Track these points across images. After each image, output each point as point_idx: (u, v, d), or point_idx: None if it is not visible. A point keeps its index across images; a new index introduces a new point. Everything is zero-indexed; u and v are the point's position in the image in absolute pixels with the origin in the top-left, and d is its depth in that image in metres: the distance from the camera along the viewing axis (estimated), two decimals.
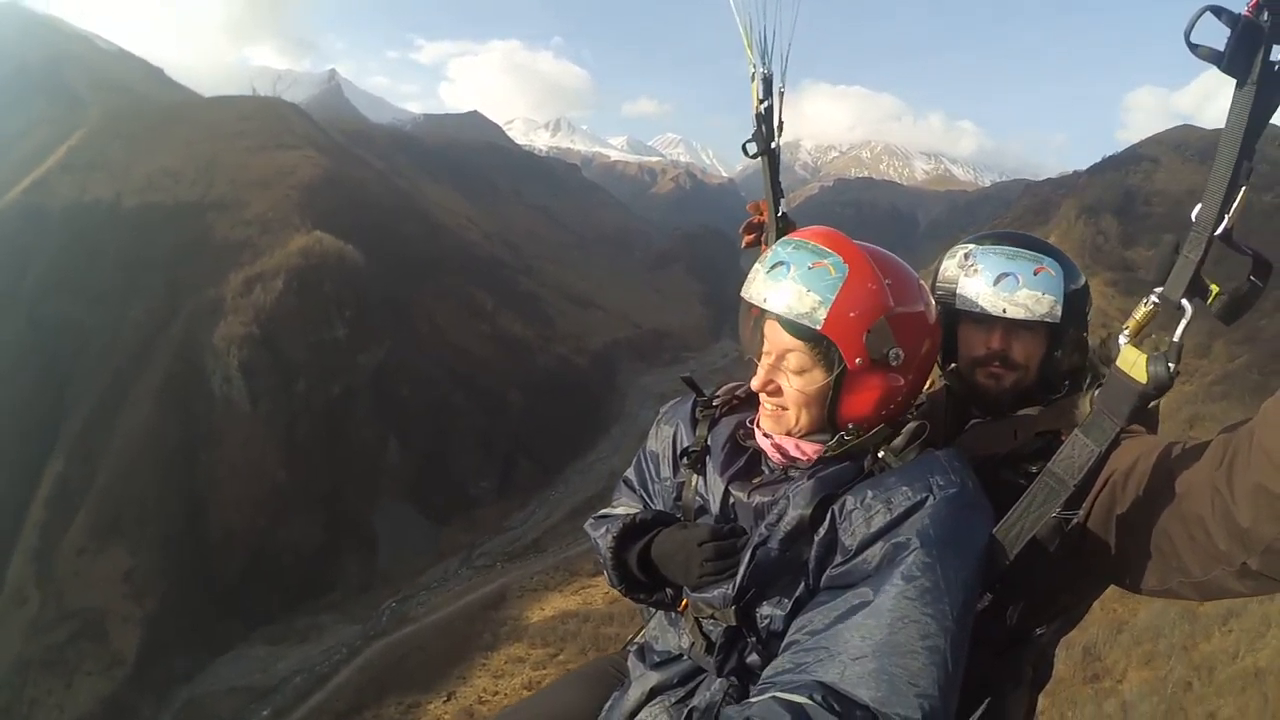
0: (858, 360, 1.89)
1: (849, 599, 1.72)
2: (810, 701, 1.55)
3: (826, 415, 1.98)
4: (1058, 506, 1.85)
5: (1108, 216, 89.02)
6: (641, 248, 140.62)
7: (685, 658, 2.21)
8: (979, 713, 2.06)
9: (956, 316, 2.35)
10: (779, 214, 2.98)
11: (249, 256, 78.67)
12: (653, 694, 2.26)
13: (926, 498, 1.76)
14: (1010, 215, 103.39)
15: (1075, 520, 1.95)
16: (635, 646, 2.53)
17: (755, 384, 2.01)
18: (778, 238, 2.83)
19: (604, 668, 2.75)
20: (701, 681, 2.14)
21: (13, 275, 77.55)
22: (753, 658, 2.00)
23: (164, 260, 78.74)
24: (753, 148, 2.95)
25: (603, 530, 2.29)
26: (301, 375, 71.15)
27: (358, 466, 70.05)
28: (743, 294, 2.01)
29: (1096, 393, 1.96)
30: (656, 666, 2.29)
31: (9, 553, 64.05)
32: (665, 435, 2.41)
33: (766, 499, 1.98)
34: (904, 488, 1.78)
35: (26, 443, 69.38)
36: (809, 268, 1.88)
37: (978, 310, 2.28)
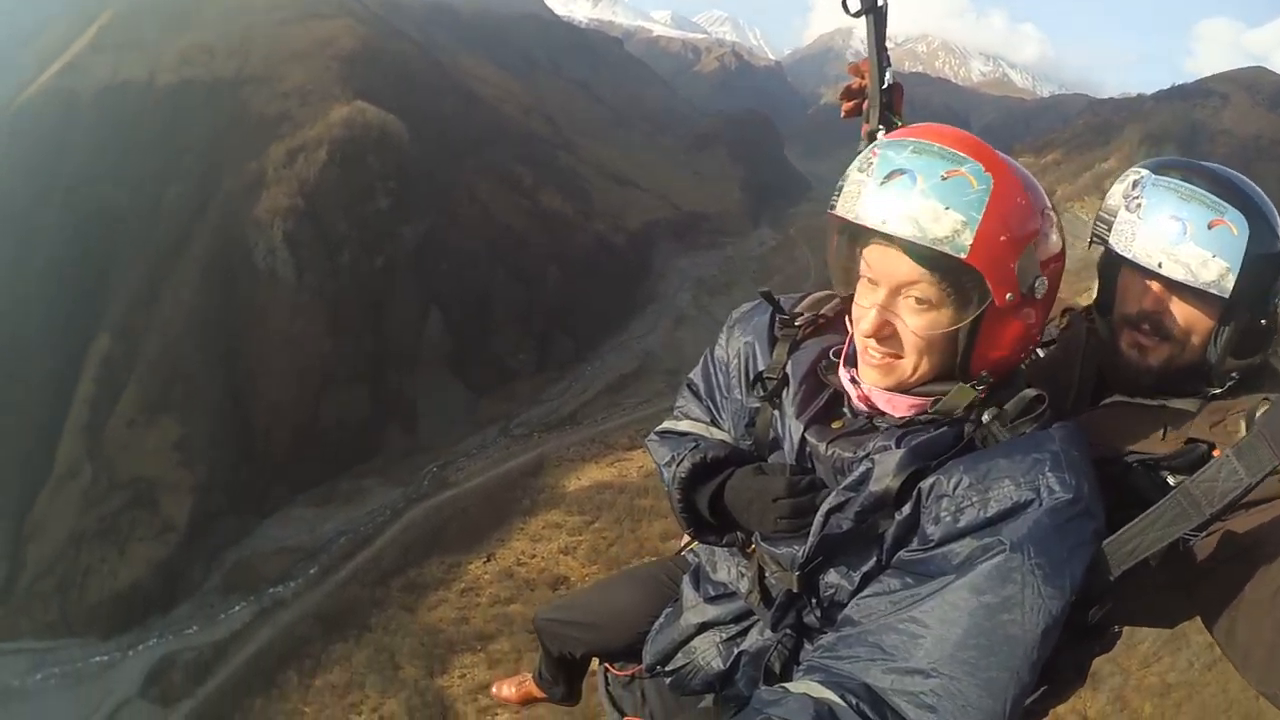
0: (1008, 295, 1.61)
1: (919, 594, 1.52)
2: (842, 703, 1.42)
3: (958, 363, 1.70)
4: (1183, 532, 1.58)
5: (1171, 148, 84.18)
6: (682, 127, 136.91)
7: (740, 597, 2.09)
8: (1033, 698, 1.76)
9: (1113, 258, 2.00)
10: (883, 84, 2.45)
11: (288, 129, 78.10)
12: (705, 626, 2.19)
13: (1031, 501, 1.49)
14: (1069, 132, 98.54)
15: (1190, 544, 1.70)
16: (690, 566, 2.43)
17: (865, 328, 1.69)
18: (880, 114, 2.46)
19: (659, 576, 2.73)
20: (754, 624, 2.05)
21: (48, 160, 77.99)
22: (810, 618, 1.87)
23: (202, 137, 78.69)
24: (854, 4, 2.37)
25: (668, 458, 2.12)
26: (345, 247, 71.90)
27: (400, 338, 71.47)
28: (838, 210, 1.68)
29: (1263, 411, 1.66)
30: (711, 600, 2.19)
31: (59, 429, 66.99)
32: (738, 347, 2.17)
33: (847, 455, 1.75)
34: (1006, 481, 1.52)
35: (71, 324, 71.26)
36: (942, 178, 1.57)
37: (1130, 257, 1.91)
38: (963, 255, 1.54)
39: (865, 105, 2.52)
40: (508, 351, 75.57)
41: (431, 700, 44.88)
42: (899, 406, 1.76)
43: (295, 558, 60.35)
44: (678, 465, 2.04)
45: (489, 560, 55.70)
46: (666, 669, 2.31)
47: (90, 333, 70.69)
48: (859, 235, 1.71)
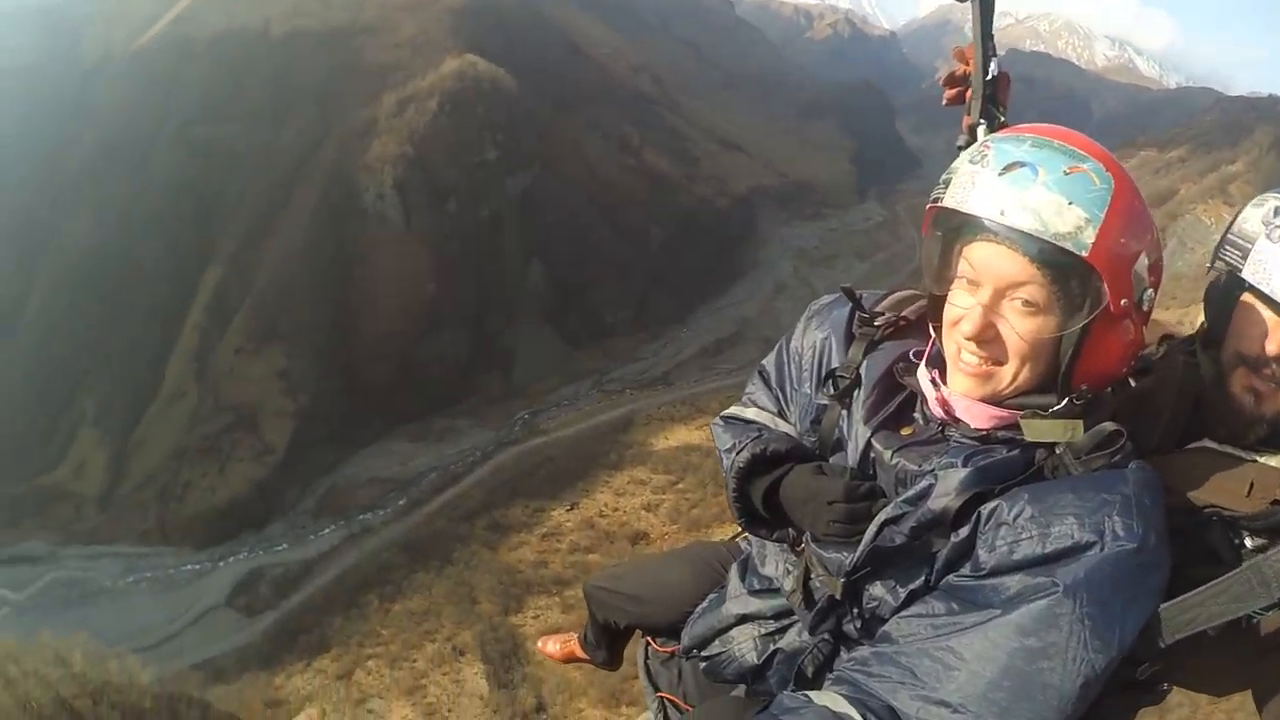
0: (1123, 301, 1.50)
1: (962, 623, 1.44)
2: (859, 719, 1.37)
3: (1060, 374, 1.56)
4: (1248, 610, 1.45)
5: None
6: (792, 95, 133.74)
7: (784, 595, 2.03)
8: None
9: (1239, 289, 1.74)
10: (987, 74, 2.29)
11: (400, 79, 79.56)
12: (744, 619, 2.16)
13: (1092, 543, 1.38)
14: (1195, 128, 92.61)
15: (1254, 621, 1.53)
16: (741, 554, 2.40)
17: (967, 329, 1.56)
18: (983, 103, 2.31)
19: (709, 559, 2.71)
20: (794, 623, 2.00)
21: (164, 102, 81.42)
22: (849, 627, 1.80)
23: (314, 83, 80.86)
24: None
25: (729, 445, 2.06)
26: (452, 195, 73.22)
27: (501, 286, 72.52)
28: (946, 201, 1.57)
29: None
30: (755, 593, 2.16)
31: (169, 354, 70.70)
32: (813, 340, 2.10)
33: (912, 467, 1.67)
34: (1069, 518, 1.41)
35: (185, 257, 74.71)
36: (1064, 173, 1.46)
37: (1265, 293, 1.66)
38: (1084, 253, 1.43)
39: (968, 94, 2.34)
40: (606, 307, 76.15)
41: (504, 636, 45.76)
42: (978, 417, 1.63)
43: (386, 488, 62.59)
44: (737, 454, 1.98)
45: (572, 509, 56.47)
46: (702, 654, 2.29)
47: (203, 264, 74.17)
48: (963, 230, 1.56)
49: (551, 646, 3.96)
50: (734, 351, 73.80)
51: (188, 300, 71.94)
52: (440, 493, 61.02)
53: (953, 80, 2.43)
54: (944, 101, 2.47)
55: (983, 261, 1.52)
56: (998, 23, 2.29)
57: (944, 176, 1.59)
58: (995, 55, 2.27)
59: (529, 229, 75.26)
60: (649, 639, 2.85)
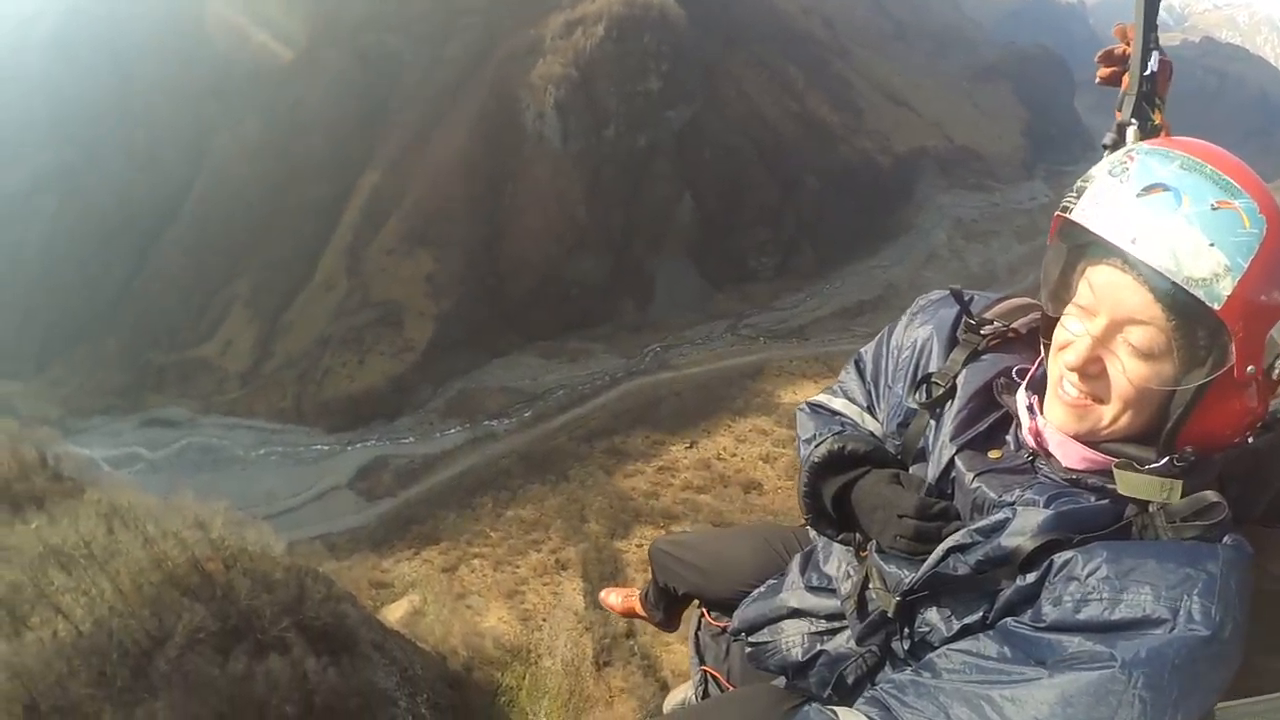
0: (1249, 367, 1.32)
1: (1008, 674, 1.32)
2: None
3: (1165, 430, 1.39)
4: None
5: None
6: (966, 53, 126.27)
7: (839, 598, 1.94)
8: None
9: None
10: (1145, 69, 1.93)
11: (568, 1, 79.13)
12: (797, 613, 2.09)
13: (1163, 621, 1.24)
14: None
15: None
16: (808, 545, 2.32)
17: (1071, 359, 1.42)
18: (1137, 100, 1.94)
19: (773, 542, 2.64)
20: (844, 628, 1.92)
21: (335, 9, 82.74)
22: (897, 646, 1.72)
23: (481, 1, 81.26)
24: None
25: (810, 435, 1.97)
26: (612, 122, 72.89)
27: (650, 217, 72.28)
28: (1075, 214, 1.40)
29: None
30: (812, 589, 2.09)
31: (323, 247, 73.47)
32: (915, 338, 1.95)
33: (991, 495, 1.54)
34: (1146, 588, 1.26)
35: (346, 155, 76.96)
36: (1212, 207, 1.28)
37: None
38: (1216, 305, 1.27)
39: (1124, 83, 2.01)
40: (751, 251, 74.81)
41: (606, 558, 46.67)
42: (1070, 455, 1.51)
43: (514, 399, 64.31)
44: (815, 447, 1.90)
45: (691, 447, 56.75)
46: (750, 639, 2.25)
47: (362, 166, 76.27)
48: (1088, 250, 1.44)
49: (613, 598, 4.00)
50: (875, 315, 71.05)
51: (345, 198, 74.34)
52: (565, 411, 62.30)
53: (1109, 59, 2.14)
54: (1097, 80, 2.19)
55: (1103, 289, 1.39)
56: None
57: (1079, 183, 1.44)
58: (1157, 48, 1.97)
59: (684, 163, 74.21)
60: (704, 610, 2.83)
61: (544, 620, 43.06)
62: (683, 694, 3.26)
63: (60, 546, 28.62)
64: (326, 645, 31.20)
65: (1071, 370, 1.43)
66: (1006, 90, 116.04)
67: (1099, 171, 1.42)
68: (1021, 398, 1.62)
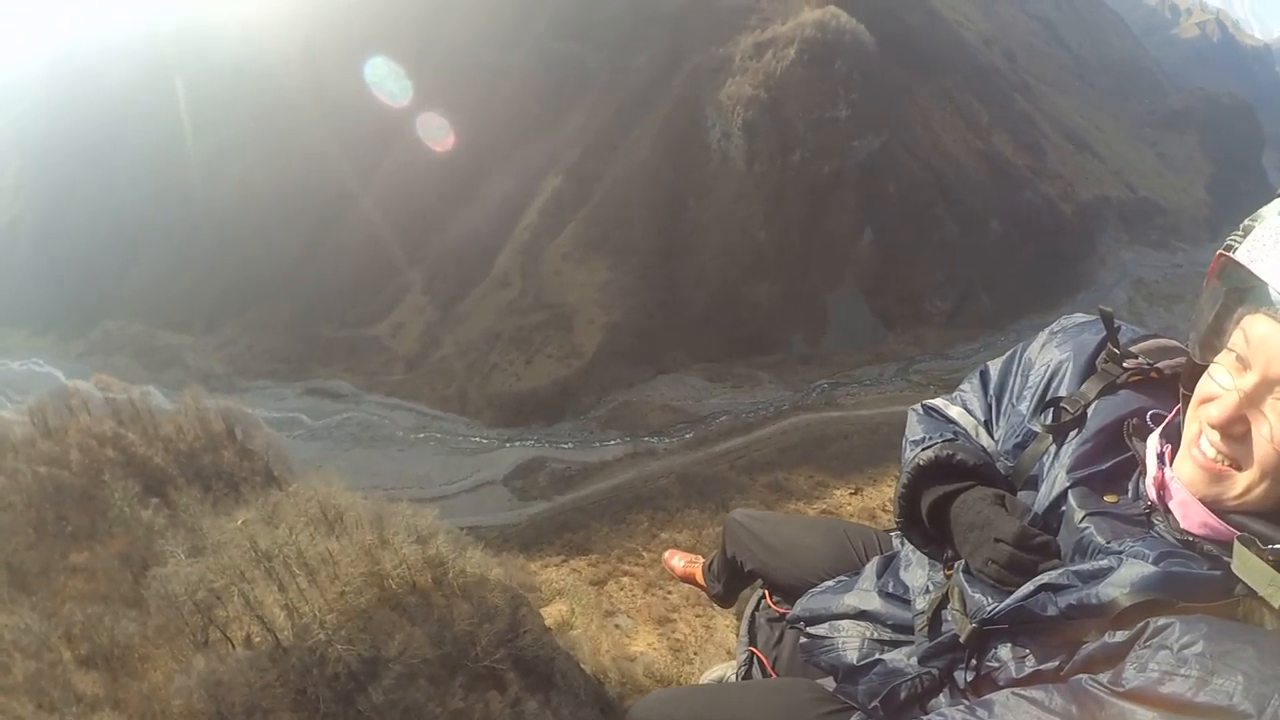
0: None
1: None
2: None
3: None
4: None
5: None
6: (1149, 95, 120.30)
7: (910, 612, 1.85)
8: None
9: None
10: None
11: (757, 21, 78.67)
12: (862, 615, 2.01)
13: (1247, 716, 1.14)
14: None
15: None
16: (888, 550, 2.29)
17: (1214, 415, 1.29)
18: None
19: (852, 540, 2.57)
20: (908, 644, 1.84)
21: (522, 14, 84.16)
22: (960, 675, 1.63)
23: (670, 15, 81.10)
24: None
25: (919, 437, 1.86)
26: (798, 147, 71.92)
27: (828, 247, 71.10)
28: (1239, 255, 1.28)
29: None
30: (884, 595, 2.00)
31: (501, 246, 74.59)
32: (1050, 358, 1.83)
33: (1099, 539, 1.45)
34: (1239, 676, 1.15)
35: (528, 159, 78.11)
36: None
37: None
38: None
39: None
40: (927, 293, 72.92)
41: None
42: (1191, 518, 1.38)
43: (676, 417, 63.97)
44: (922, 449, 1.81)
45: (856, 493, 55.27)
46: (807, 629, 2.19)
47: (544, 169, 77.20)
48: (1248, 296, 1.31)
49: (676, 560, 3.91)
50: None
51: (527, 199, 75.39)
52: (727, 437, 61.49)
53: None
54: None
55: (1260, 342, 1.26)
56: None
57: (1246, 221, 1.33)
58: None
59: (866, 195, 72.72)
60: (766, 591, 2.74)
61: (695, 654, 42.35)
62: (722, 671, 3.14)
63: (269, 550, 28.30)
64: (534, 680, 30.88)
65: (1212, 427, 1.30)
66: (1192, 139, 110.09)
67: (1270, 212, 1.29)
68: (1153, 444, 1.49)
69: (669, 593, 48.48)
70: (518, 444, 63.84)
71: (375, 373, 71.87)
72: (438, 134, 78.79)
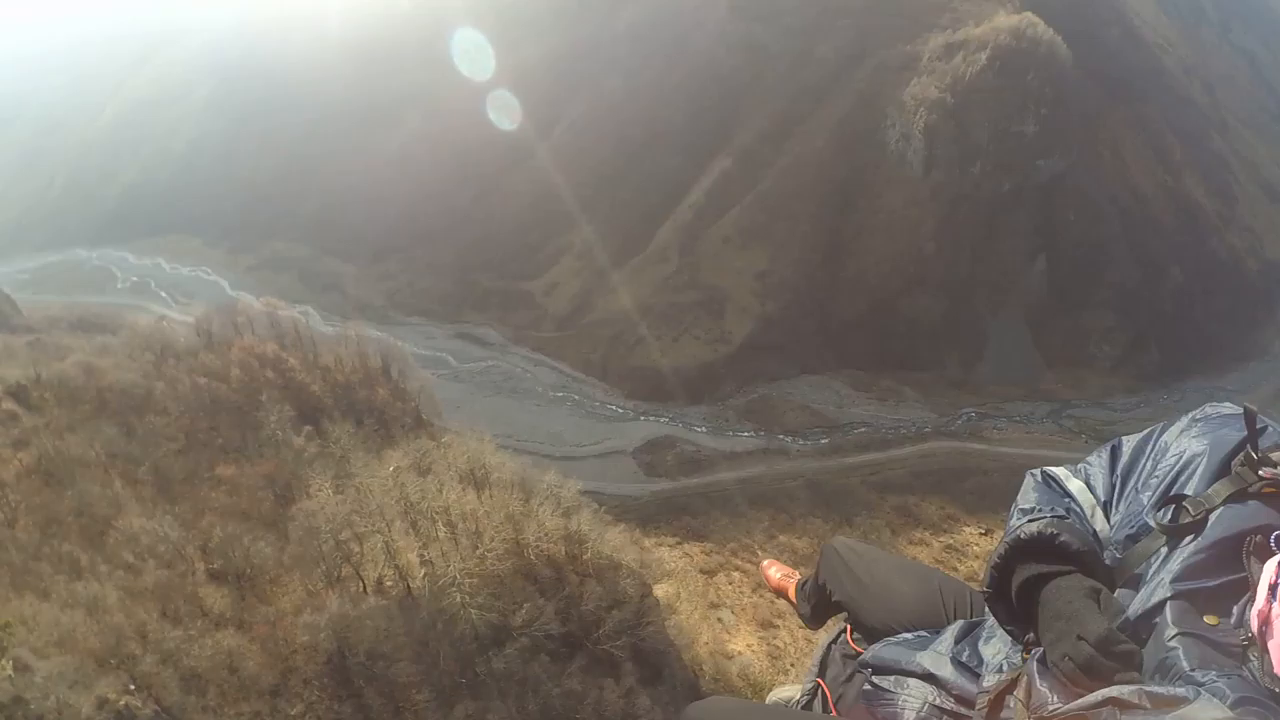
0: None
1: None
2: None
3: None
4: None
5: None
6: None
7: (977, 687, 1.80)
8: None
9: None
10: None
11: (948, 20, 75.64)
12: (929, 678, 1.97)
13: None
14: None
15: None
16: (978, 615, 2.22)
17: None
18: None
19: (946, 595, 2.49)
20: (969, 716, 1.79)
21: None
22: None
23: (859, 6, 78.83)
24: None
25: (1030, 507, 1.81)
26: (979, 159, 69.28)
27: (998, 271, 68.73)
28: None
29: None
30: (957, 663, 1.94)
31: (661, 221, 74.74)
32: (1184, 448, 1.70)
33: (1185, 663, 1.36)
34: None
35: (698, 137, 77.55)
36: None
37: None
38: None
39: None
40: (1094, 335, 69.34)
41: None
42: None
43: (814, 420, 63.26)
44: (1028, 521, 1.74)
45: (986, 534, 53.36)
46: (874, 677, 2.16)
47: (713, 150, 76.62)
48: None
49: (774, 571, 3.93)
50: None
51: (692, 178, 75.24)
52: (863, 451, 60.38)
53: None
54: None
55: None
56: None
57: None
58: None
59: (1044, 221, 69.70)
60: (849, 626, 2.71)
61: (792, 665, 41.90)
62: (789, 693, 3.03)
63: (418, 503, 29.57)
64: (648, 673, 30.97)
65: None
66: None
67: None
68: (1269, 571, 1.38)
69: (776, 597, 48.09)
70: (652, 419, 64.70)
71: (524, 327, 73.68)
72: (612, 98, 79.55)
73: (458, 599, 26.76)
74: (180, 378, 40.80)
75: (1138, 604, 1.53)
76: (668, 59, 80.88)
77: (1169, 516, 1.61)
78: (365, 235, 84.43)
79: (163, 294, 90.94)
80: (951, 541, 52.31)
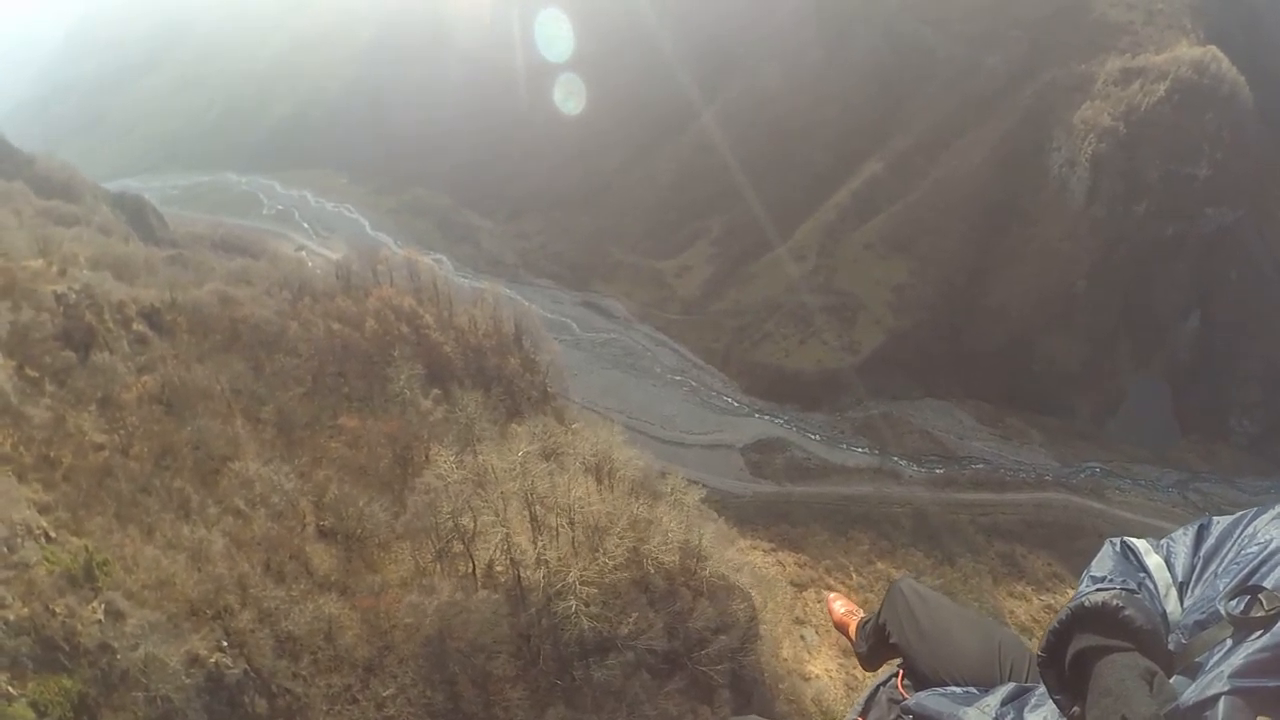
0: None
1: None
2: None
3: None
4: None
5: None
6: None
7: None
8: None
9: None
10: None
11: (1127, 44, 72.05)
12: None
13: None
14: None
15: None
16: (1030, 680, 2.22)
17: None
18: None
19: (1005, 653, 2.49)
20: None
21: None
22: None
23: (1032, 17, 75.70)
24: None
25: (1103, 576, 1.78)
26: (1146, 197, 65.82)
27: (1149, 323, 65.79)
28: None
29: None
30: None
31: (804, 218, 73.71)
32: (1270, 539, 1.61)
33: None
34: None
35: (855, 135, 76.11)
36: None
37: None
38: None
39: None
40: (1238, 408, 65.93)
41: None
42: None
43: (932, 448, 61.96)
44: (1096, 589, 1.71)
45: None
46: None
47: (868, 150, 75.11)
48: None
49: (838, 605, 3.92)
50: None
51: (842, 178, 74.07)
52: (978, 489, 58.83)
53: None
54: None
55: None
56: None
57: None
58: None
59: (1204, 275, 66.24)
60: (901, 671, 2.72)
61: None
62: None
63: (537, 490, 29.08)
64: (740, 701, 30.41)
65: None
66: None
67: None
68: None
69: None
70: (766, 418, 64.38)
71: (651, 304, 74.25)
72: (766, 86, 78.74)
73: (573, 605, 26.68)
74: (315, 320, 41.20)
75: (1192, 693, 1.47)
76: (828, 51, 79.59)
77: (1241, 607, 1.53)
78: (506, 192, 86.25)
79: (305, 225, 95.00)
80: (1052, 602, 50.80)
